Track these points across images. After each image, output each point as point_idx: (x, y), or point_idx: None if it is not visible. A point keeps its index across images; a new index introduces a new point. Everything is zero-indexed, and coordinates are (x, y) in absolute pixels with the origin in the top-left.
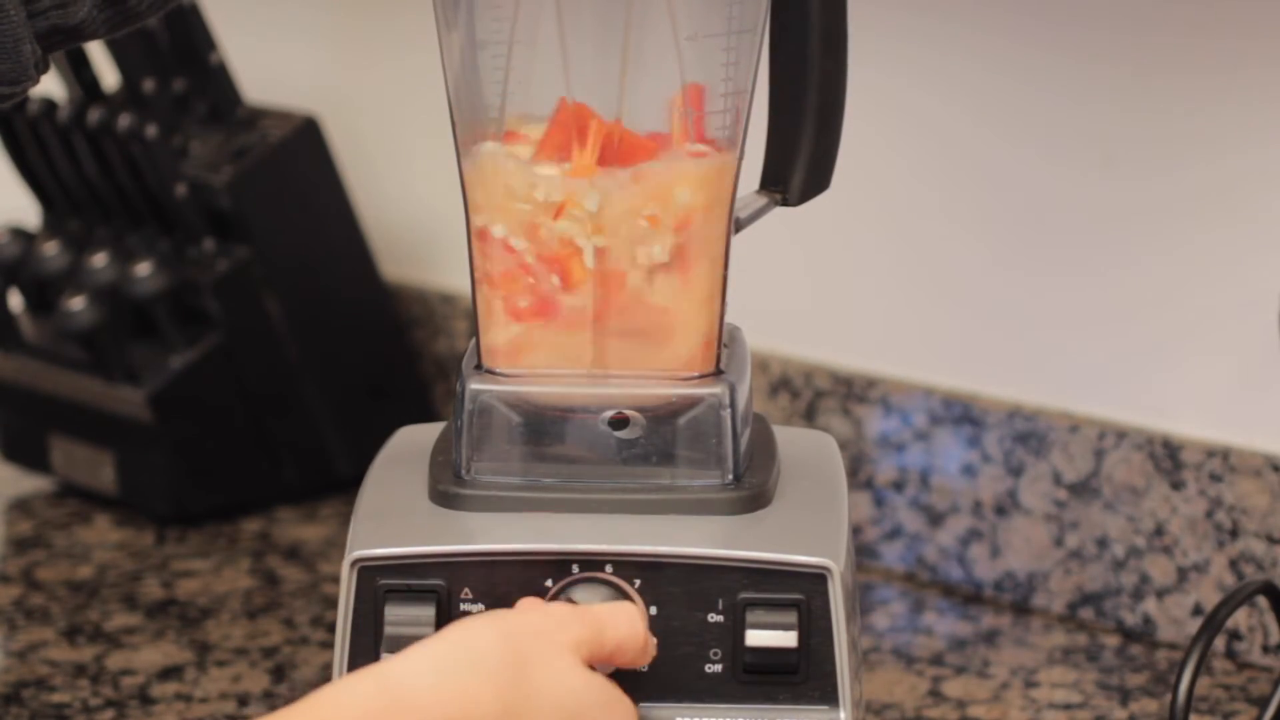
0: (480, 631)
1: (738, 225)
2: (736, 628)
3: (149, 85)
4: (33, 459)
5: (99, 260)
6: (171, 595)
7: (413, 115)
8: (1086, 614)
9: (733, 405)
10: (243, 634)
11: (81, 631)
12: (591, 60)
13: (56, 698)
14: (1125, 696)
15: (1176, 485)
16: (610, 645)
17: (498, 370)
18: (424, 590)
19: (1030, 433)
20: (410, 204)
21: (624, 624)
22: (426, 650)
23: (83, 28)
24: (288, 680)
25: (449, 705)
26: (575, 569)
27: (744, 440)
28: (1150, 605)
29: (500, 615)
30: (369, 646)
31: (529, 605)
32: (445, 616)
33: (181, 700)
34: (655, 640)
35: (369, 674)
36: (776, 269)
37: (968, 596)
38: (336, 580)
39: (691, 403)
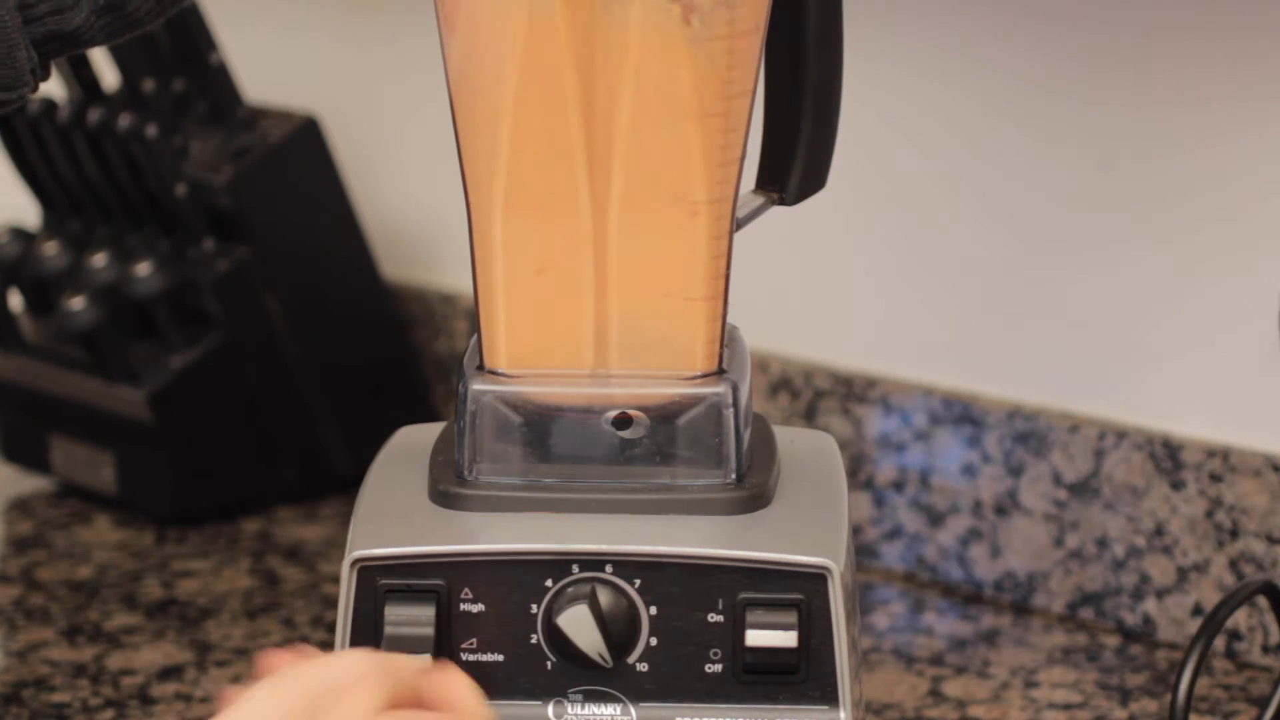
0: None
1: (736, 225)
2: (736, 628)
3: (149, 85)
4: (33, 459)
5: (99, 260)
6: (171, 595)
7: (413, 115)
8: (1086, 614)
9: (735, 404)
10: (243, 634)
11: (81, 631)
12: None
13: (56, 698)
14: (1125, 696)
15: (1176, 485)
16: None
17: (499, 370)
18: (424, 590)
19: (1030, 433)
20: (410, 204)
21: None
22: None
23: (80, 34)
24: None
25: None
26: (575, 569)
27: (745, 440)
28: (1150, 605)
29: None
30: (369, 646)
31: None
32: (445, 616)
33: (181, 700)
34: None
35: None
36: (776, 269)
37: (968, 596)
38: (336, 580)
39: (693, 402)
